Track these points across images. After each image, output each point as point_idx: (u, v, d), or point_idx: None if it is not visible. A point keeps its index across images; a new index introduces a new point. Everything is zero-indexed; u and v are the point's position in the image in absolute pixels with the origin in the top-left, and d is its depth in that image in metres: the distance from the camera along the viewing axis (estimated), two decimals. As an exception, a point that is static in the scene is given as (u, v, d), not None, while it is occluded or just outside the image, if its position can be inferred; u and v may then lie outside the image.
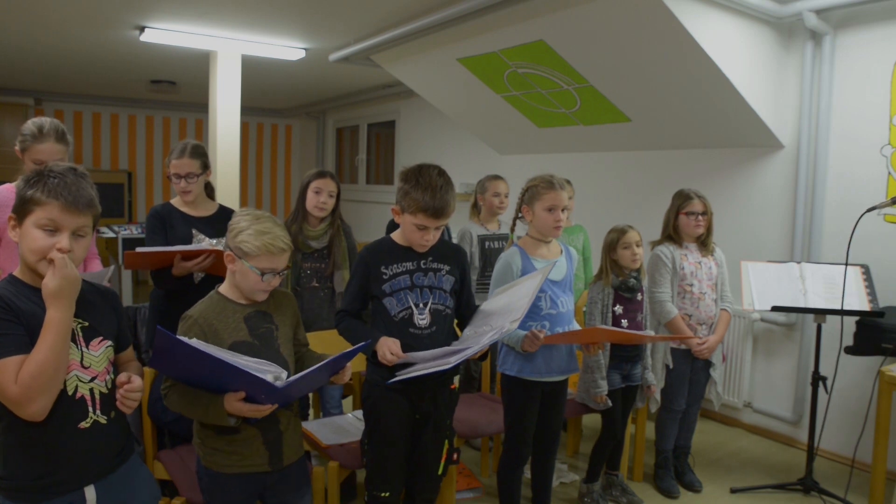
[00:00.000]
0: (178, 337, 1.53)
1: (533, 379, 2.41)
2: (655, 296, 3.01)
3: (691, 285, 3.02)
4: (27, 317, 1.40)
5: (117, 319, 1.60)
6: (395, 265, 2.08)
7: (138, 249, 2.43)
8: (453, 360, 1.93)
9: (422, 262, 2.10)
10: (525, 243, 2.46)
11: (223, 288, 1.81)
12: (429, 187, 1.97)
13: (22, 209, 1.41)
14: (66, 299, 1.38)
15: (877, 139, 3.30)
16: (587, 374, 2.75)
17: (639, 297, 2.85)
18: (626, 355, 2.82)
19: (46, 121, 2.41)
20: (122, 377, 1.49)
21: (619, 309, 2.79)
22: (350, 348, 1.74)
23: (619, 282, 2.80)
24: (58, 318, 1.37)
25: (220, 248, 2.66)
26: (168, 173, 2.66)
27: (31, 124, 2.39)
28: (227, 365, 1.53)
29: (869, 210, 1.87)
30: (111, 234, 6.27)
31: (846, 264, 2.27)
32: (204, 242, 2.66)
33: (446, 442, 2.19)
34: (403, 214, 2.04)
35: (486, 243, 3.55)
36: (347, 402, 3.38)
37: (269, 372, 1.62)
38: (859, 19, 3.33)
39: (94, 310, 1.53)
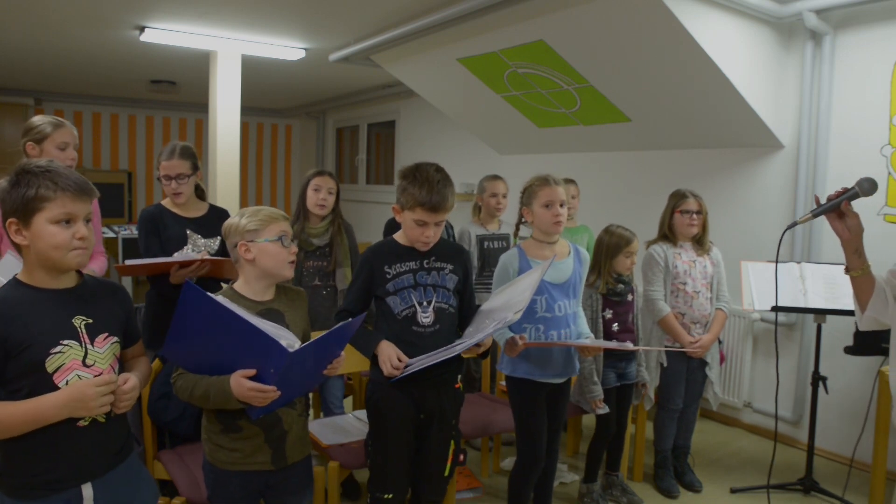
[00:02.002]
0: (206, 292, 1.52)
1: (534, 380, 2.40)
2: (648, 294, 3.01)
3: (685, 283, 3.02)
4: (26, 320, 1.39)
5: (125, 314, 1.59)
6: (398, 265, 2.08)
7: (127, 262, 2.45)
8: (458, 349, 1.93)
9: (425, 261, 2.10)
10: (527, 245, 2.44)
11: (237, 285, 1.82)
12: (426, 182, 1.99)
13: (26, 210, 1.39)
14: (73, 412, 1.39)
15: (877, 139, 3.30)
16: (581, 380, 2.75)
17: (629, 297, 2.84)
18: (620, 354, 2.82)
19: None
20: (120, 380, 1.48)
21: (608, 313, 2.79)
22: (349, 324, 1.70)
23: (607, 288, 2.80)
24: (49, 413, 1.37)
25: (213, 248, 2.68)
26: (158, 175, 2.69)
27: (39, 118, 2.48)
28: (245, 322, 1.53)
29: (791, 226, 1.86)
30: (111, 234, 6.27)
31: (777, 261, 2.21)
32: (199, 243, 2.67)
33: (452, 442, 2.18)
34: (403, 212, 2.06)
35: (485, 243, 3.56)
36: (348, 401, 3.38)
37: (284, 338, 1.62)
38: (859, 19, 3.33)
39: (100, 305, 1.52)
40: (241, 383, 1.60)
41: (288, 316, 1.82)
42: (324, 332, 1.67)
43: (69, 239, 1.42)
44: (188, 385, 1.68)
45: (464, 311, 2.22)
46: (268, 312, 1.79)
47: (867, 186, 1.71)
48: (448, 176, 2.06)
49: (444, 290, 2.11)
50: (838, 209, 1.73)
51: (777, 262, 2.05)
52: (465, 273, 2.19)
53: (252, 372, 1.61)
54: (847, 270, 1.76)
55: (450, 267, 2.13)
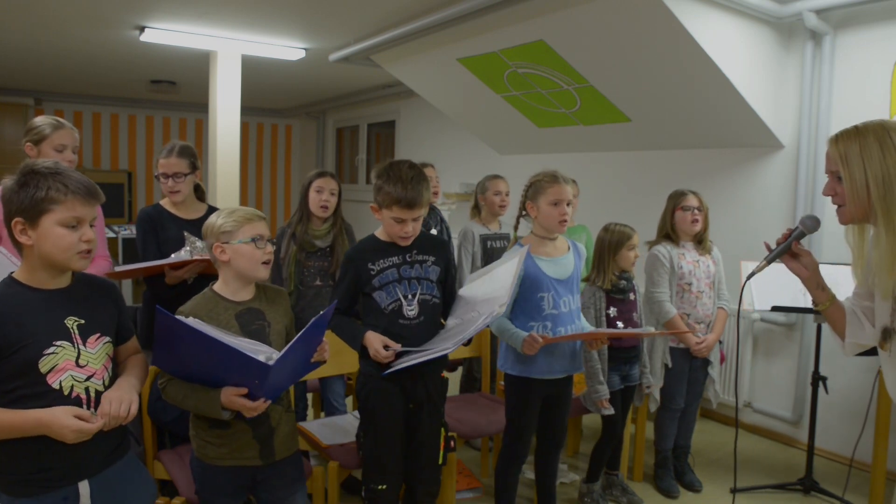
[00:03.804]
0: (175, 316, 1.55)
1: (533, 378, 2.41)
2: (654, 295, 3.01)
3: (690, 284, 3.02)
4: (20, 321, 1.40)
5: (117, 312, 1.60)
6: (382, 260, 2.12)
7: (117, 269, 2.45)
8: (451, 346, 1.95)
9: (407, 255, 2.15)
10: (529, 242, 2.45)
11: (217, 286, 1.84)
12: (399, 180, 2.03)
13: (35, 210, 1.40)
14: (66, 438, 1.39)
15: (877, 139, 3.30)
16: (587, 380, 2.75)
17: (631, 296, 2.85)
18: (624, 357, 2.82)
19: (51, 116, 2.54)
20: (122, 411, 1.48)
21: (612, 311, 2.79)
22: (321, 317, 1.71)
23: (611, 284, 2.80)
24: (44, 425, 1.38)
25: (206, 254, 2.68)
26: (156, 174, 2.69)
27: (40, 119, 2.48)
28: (220, 344, 1.55)
29: (750, 276, 1.89)
30: (111, 234, 6.27)
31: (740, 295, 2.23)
32: (197, 245, 2.67)
33: (442, 430, 2.21)
34: (381, 210, 2.10)
35: (489, 243, 3.55)
36: (348, 401, 3.38)
37: (262, 352, 1.64)
38: (859, 19, 3.33)
39: (91, 305, 1.53)
40: (234, 401, 1.65)
41: (268, 314, 1.84)
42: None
43: (76, 242, 1.43)
44: (178, 395, 1.71)
45: (447, 301, 2.26)
46: (247, 312, 1.81)
47: (810, 224, 1.77)
48: (421, 172, 2.09)
49: (428, 281, 2.16)
50: (790, 251, 1.75)
51: (739, 310, 2.05)
52: (446, 264, 2.23)
53: (243, 391, 1.64)
54: (815, 305, 1.79)
55: (431, 259, 2.18)
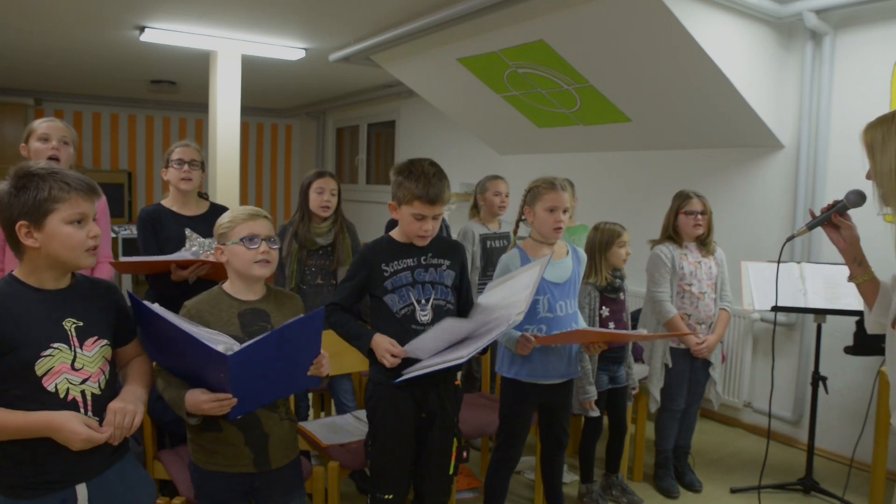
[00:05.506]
0: (142, 301, 1.58)
1: (528, 382, 2.41)
2: (655, 295, 3.01)
3: (690, 285, 3.02)
4: (19, 320, 1.39)
5: (116, 313, 1.59)
6: (396, 262, 2.07)
7: (122, 259, 2.45)
8: (465, 355, 1.90)
9: (422, 257, 2.09)
10: (527, 245, 2.45)
11: (225, 284, 1.84)
12: (422, 175, 2.00)
13: (39, 211, 1.39)
14: (73, 445, 1.39)
15: (877, 139, 3.30)
16: (576, 381, 2.75)
17: (621, 296, 2.85)
18: (613, 357, 2.83)
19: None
20: (126, 423, 1.48)
21: (605, 311, 2.80)
22: (302, 320, 1.64)
23: (605, 283, 2.81)
24: (53, 429, 1.37)
25: (213, 248, 2.69)
26: (169, 160, 2.69)
27: (35, 122, 2.50)
28: (179, 330, 1.54)
29: (790, 239, 1.93)
30: (111, 234, 6.27)
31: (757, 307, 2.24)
32: (197, 242, 2.67)
33: (455, 440, 2.17)
34: (400, 207, 2.05)
35: (488, 242, 3.55)
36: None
37: (221, 342, 1.60)
38: (859, 19, 3.33)
39: (90, 307, 1.51)
40: (198, 401, 1.60)
41: (274, 317, 1.81)
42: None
43: (84, 239, 1.44)
44: (160, 385, 1.71)
45: (461, 306, 2.20)
46: (251, 312, 1.79)
47: (853, 198, 1.76)
48: (441, 170, 2.07)
49: (443, 286, 2.10)
50: (831, 221, 1.77)
51: (778, 271, 2.06)
52: (461, 268, 2.18)
53: (209, 395, 1.60)
54: (850, 279, 1.79)
55: (447, 262, 2.13)
